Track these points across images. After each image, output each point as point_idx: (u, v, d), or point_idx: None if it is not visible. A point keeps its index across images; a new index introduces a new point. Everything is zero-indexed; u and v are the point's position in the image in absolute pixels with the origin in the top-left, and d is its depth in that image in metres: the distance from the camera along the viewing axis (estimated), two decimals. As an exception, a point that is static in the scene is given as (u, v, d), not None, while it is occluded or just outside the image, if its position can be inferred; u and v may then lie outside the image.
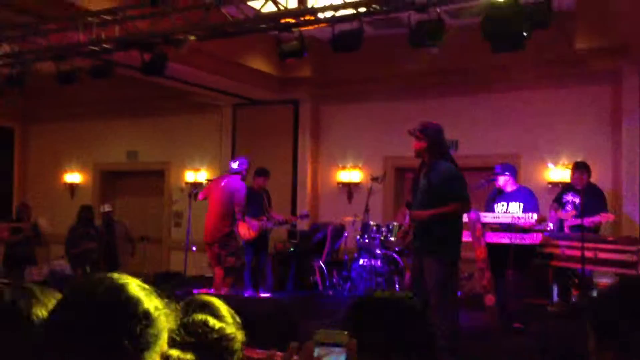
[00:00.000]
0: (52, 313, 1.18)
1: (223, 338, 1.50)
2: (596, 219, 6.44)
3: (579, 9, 7.56)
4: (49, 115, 12.35)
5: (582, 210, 6.45)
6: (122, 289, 1.17)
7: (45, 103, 11.91)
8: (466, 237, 6.28)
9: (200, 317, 1.51)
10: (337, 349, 0.99)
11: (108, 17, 6.74)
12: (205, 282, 8.73)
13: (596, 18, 7.34)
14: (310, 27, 6.15)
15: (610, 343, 1.43)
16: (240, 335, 1.55)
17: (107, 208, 9.60)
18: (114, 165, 11.94)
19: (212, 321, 1.51)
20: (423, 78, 9.18)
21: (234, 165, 7.55)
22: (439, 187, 4.79)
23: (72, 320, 1.12)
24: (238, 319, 1.61)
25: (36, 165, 12.67)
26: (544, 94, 8.61)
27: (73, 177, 12.25)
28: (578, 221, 6.41)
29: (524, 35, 4.63)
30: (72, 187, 12.21)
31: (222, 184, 7.45)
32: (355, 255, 8.23)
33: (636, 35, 7.17)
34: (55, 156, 12.37)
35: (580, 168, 6.78)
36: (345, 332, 1.01)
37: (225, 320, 1.55)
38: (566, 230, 6.74)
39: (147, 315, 1.17)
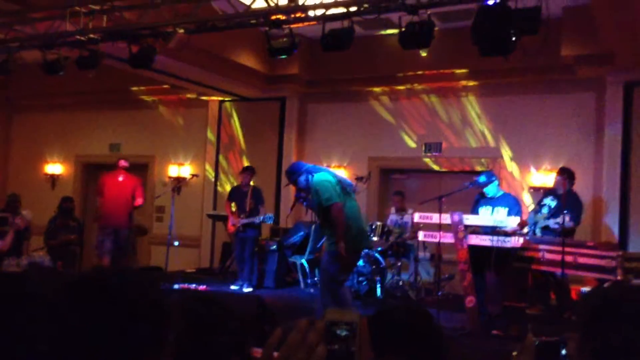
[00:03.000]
0: (72, 295, 1.13)
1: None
2: (560, 221, 6.51)
3: (565, 17, 7.65)
4: (32, 105, 12.20)
5: (554, 214, 6.58)
6: (150, 283, 1.16)
7: (29, 92, 11.74)
8: (448, 239, 6.36)
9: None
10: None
11: (96, 7, 6.68)
12: (186, 278, 8.69)
13: (582, 26, 7.43)
14: (301, 25, 6.15)
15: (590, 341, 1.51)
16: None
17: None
18: (96, 157, 11.82)
19: None
20: (410, 80, 9.23)
21: (127, 164, 8.83)
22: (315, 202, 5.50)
23: (93, 308, 1.10)
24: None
25: (18, 155, 12.50)
26: (529, 99, 8.70)
27: (54, 168, 12.10)
28: (546, 222, 6.65)
29: (512, 41, 4.68)
30: (53, 178, 12.07)
31: (121, 178, 8.68)
32: (338, 254, 8.23)
33: (621, 44, 7.27)
34: (37, 146, 12.22)
35: (562, 173, 6.88)
36: (357, 311, 1.01)
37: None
38: (537, 232, 6.85)
39: (165, 311, 1.15)
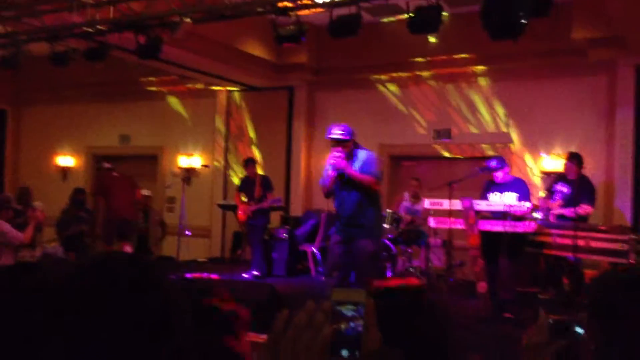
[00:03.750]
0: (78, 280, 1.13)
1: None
2: (578, 210, 6.46)
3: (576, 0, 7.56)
4: (42, 98, 12.25)
5: (568, 201, 6.53)
6: (154, 269, 1.14)
7: (38, 85, 11.80)
8: (459, 225, 6.34)
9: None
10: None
11: (103, -2, 6.69)
12: (198, 267, 8.74)
13: (593, 9, 7.34)
14: (308, 12, 6.12)
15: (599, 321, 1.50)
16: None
17: (145, 192, 9.60)
18: (106, 149, 11.86)
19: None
20: (418, 66, 9.16)
21: (110, 165, 9.10)
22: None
23: (101, 293, 1.09)
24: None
25: (28, 148, 12.58)
26: (539, 83, 8.62)
27: (65, 160, 12.17)
28: (562, 210, 6.58)
29: (522, 24, 4.63)
30: (64, 170, 12.14)
31: (115, 174, 8.95)
32: (349, 241, 8.23)
33: (632, 26, 7.18)
34: (47, 139, 12.28)
35: (571, 158, 6.82)
36: (363, 290, 0.99)
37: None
38: (551, 219, 6.80)
39: (174, 298, 1.13)
